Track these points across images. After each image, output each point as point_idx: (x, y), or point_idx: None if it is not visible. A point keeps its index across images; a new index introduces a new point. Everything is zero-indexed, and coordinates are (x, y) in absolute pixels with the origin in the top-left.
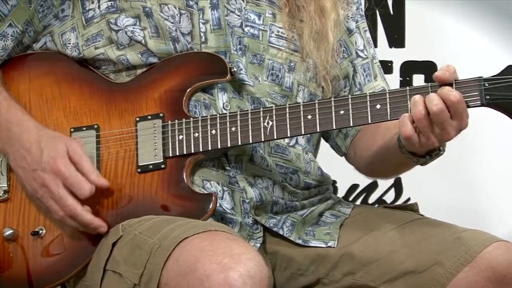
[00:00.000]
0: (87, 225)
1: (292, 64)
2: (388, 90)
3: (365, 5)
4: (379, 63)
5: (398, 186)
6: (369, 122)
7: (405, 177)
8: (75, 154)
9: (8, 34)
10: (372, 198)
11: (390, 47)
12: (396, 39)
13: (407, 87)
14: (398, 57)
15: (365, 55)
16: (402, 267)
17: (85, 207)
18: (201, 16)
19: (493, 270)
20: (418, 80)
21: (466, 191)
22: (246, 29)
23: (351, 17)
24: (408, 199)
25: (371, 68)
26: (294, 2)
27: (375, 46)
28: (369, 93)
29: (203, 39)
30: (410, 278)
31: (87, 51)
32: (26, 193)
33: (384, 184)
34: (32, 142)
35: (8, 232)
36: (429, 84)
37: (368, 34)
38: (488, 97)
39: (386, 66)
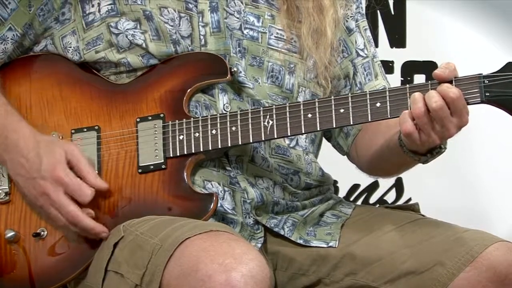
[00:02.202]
0: (88, 231)
1: (292, 65)
2: (388, 88)
3: (366, 5)
4: (380, 62)
5: (399, 186)
6: (369, 120)
7: (406, 177)
8: (73, 157)
9: (8, 37)
10: (373, 198)
11: (391, 47)
12: (397, 39)
13: (407, 85)
14: (399, 57)
15: (366, 54)
16: (403, 267)
17: (86, 212)
18: (200, 19)
19: (494, 270)
20: (419, 80)
21: (467, 191)
22: (245, 32)
23: (351, 16)
24: (409, 199)
25: (372, 67)
26: (292, 2)
27: (376, 46)
28: (369, 91)
29: (202, 42)
30: (411, 278)
31: (88, 55)
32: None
33: (385, 184)
34: (30, 150)
35: (10, 234)
36: (429, 81)
37: (368, 33)
38: (488, 94)
39: (387, 66)
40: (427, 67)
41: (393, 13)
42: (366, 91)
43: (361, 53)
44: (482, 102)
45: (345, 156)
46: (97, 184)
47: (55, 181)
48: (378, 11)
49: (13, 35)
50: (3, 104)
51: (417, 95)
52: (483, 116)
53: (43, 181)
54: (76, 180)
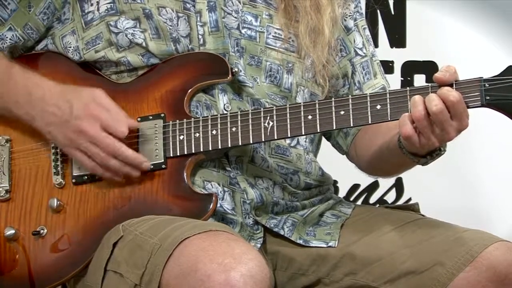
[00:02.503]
0: (131, 161)
1: (290, 65)
2: (389, 90)
3: (365, 5)
4: (379, 61)
5: (399, 186)
6: (370, 122)
7: (406, 177)
8: (102, 100)
9: (7, 37)
10: (373, 198)
11: (391, 47)
12: (397, 39)
13: (408, 88)
14: (399, 57)
15: (364, 53)
16: (403, 267)
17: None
18: (198, 19)
19: (494, 270)
20: (419, 80)
21: (467, 191)
22: (243, 31)
23: (349, 16)
24: (409, 199)
25: (371, 66)
26: (290, 0)
27: (376, 46)
28: (370, 93)
29: (201, 42)
30: (411, 278)
31: (88, 54)
32: (28, 193)
33: (385, 184)
34: (58, 97)
35: (10, 231)
36: (430, 84)
37: (367, 32)
38: (489, 98)
39: (387, 66)
40: (427, 67)
41: (393, 13)
42: (366, 94)
43: (359, 52)
44: (482, 105)
45: (345, 156)
46: (130, 121)
47: (90, 117)
48: (378, 11)
49: (13, 35)
50: (20, 69)
51: (417, 98)
52: (483, 116)
53: (78, 121)
54: (109, 114)
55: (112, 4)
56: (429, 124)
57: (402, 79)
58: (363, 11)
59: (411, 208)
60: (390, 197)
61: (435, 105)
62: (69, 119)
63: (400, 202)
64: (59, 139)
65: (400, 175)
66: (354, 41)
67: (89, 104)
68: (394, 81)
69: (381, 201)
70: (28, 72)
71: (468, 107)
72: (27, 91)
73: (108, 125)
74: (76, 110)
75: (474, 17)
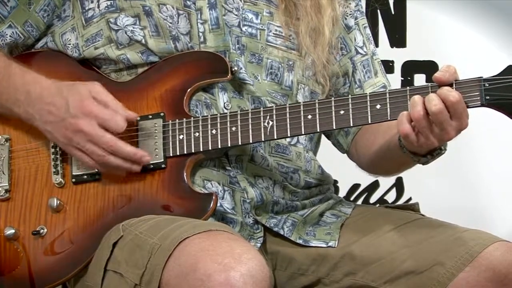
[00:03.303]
0: (130, 157)
1: (290, 62)
2: (388, 90)
3: (366, 4)
4: (379, 60)
5: (399, 186)
6: (369, 122)
7: (406, 177)
8: (98, 94)
9: (7, 34)
10: (373, 198)
11: (391, 46)
12: (397, 39)
13: (407, 87)
14: (399, 57)
15: (365, 51)
16: (402, 267)
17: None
18: (199, 16)
19: (493, 270)
20: (420, 79)
21: (467, 191)
22: (244, 29)
23: (350, 14)
24: (409, 199)
25: (371, 65)
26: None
27: (376, 46)
28: (369, 93)
29: (201, 39)
30: (411, 278)
31: (87, 51)
32: (28, 192)
33: (385, 184)
34: (54, 95)
35: (9, 231)
36: (429, 84)
37: (368, 31)
38: (488, 98)
39: (387, 66)
40: (427, 67)
41: (393, 12)
42: (366, 93)
43: (360, 50)
44: (482, 105)
45: (345, 156)
46: (128, 114)
47: (86, 115)
48: (378, 11)
49: (13, 32)
50: (17, 66)
51: (417, 98)
52: (483, 116)
53: (74, 119)
54: (107, 110)
55: (112, 1)
56: (428, 124)
57: (402, 79)
58: (364, 9)
59: (411, 208)
60: (390, 197)
61: (434, 105)
62: (65, 117)
63: (400, 202)
64: (57, 138)
65: (400, 175)
66: (355, 40)
67: (85, 101)
68: (394, 81)
69: (381, 201)
70: (27, 70)
71: (468, 106)
72: (25, 89)
73: (105, 122)
74: (72, 108)
75: (474, 17)
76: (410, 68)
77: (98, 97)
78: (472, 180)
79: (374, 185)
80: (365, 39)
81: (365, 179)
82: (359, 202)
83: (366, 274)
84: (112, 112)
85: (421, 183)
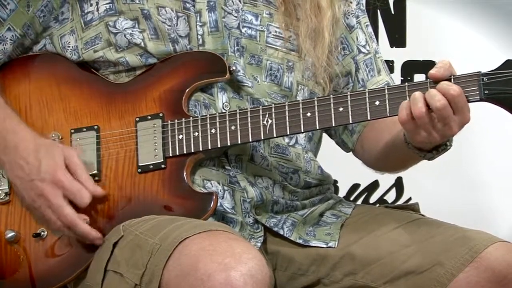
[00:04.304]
0: (84, 236)
1: (290, 63)
2: (387, 86)
3: (366, 3)
4: (382, 58)
5: (399, 186)
6: (368, 118)
7: (406, 177)
8: (71, 163)
9: (7, 38)
10: (373, 198)
11: (391, 46)
12: (397, 39)
13: (406, 83)
14: (399, 56)
15: (368, 50)
16: (403, 267)
17: (83, 217)
18: (198, 19)
19: (493, 271)
20: (419, 79)
21: (467, 191)
22: (243, 30)
23: (352, 13)
24: (409, 199)
25: (374, 63)
26: (291, 0)
27: None
28: (368, 89)
29: (200, 42)
30: (411, 278)
31: (86, 54)
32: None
33: (385, 184)
34: (29, 152)
35: (10, 234)
36: (428, 80)
37: (370, 29)
38: (487, 92)
39: (387, 66)
40: (427, 66)
41: (393, 12)
42: (365, 90)
43: (362, 49)
44: (481, 100)
45: (346, 156)
46: (95, 190)
47: (54, 183)
48: (378, 11)
49: (12, 35)
50: (1, 107)
51: (418, 94)
52: (483, 115)
53: (42, 183)
54: (75, 183)
55: (111, 5)
56: (430, 120)
57: (402, 78)
58: (365, 8)
59: (411, 208)
60: (390, 197)
61: (438, 101)
62: (34, 178)
63: (400, 202)
64: (23, 194)
65: (400, 175)
66: (357, 39)
67: (58, 170)
68: (394, 80)
69: (381, 201)
70: (9, 114)
71: (468, 101)
72: (2, 136)
73: (71, 194)
74: (43, 172)
75: (474, 17)
76: (410, 68)
77: (70, 165)
78: (472, 180)
79: (374, 185)
80: (367, 38)
81: (365, 179)
82: (359, 202)
83: (366, 274)
84: (80, 186)
85: (421, 183)
